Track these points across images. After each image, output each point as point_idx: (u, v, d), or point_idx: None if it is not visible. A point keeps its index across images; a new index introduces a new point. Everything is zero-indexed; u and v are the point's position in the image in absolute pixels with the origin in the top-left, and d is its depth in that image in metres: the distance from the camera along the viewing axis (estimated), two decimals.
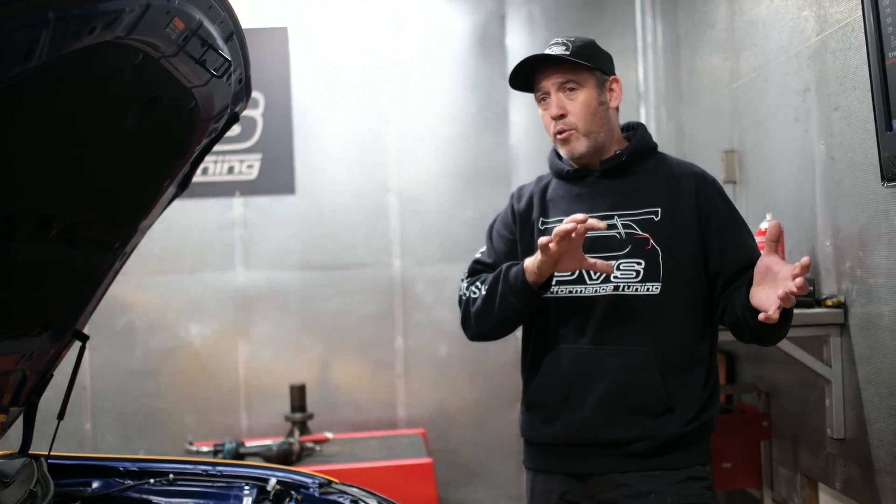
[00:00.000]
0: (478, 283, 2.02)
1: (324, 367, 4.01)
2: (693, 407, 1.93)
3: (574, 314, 1.96)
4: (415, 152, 4.05)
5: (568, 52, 1.94)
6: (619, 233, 1.95)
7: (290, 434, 3.61)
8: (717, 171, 3.11)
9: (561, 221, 1.99)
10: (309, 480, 1.84)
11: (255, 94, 3.89)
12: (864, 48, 2.01)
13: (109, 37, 1.08)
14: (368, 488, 1.87)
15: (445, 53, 4.09)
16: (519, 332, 2.12)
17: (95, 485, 1.84)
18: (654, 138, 2.10)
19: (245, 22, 1.41)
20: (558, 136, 1.99)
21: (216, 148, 1.67)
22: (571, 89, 1.96)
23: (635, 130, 2.07)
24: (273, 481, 1.84)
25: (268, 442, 3.42)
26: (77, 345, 1.71)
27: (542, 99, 2.01)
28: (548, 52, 1.97)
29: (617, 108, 2.04)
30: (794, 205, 2.72)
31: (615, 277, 1.93)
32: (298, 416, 3.67)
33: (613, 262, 1.93)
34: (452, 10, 4.10)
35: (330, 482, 1.85)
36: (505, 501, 4.00)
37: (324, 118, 4.03)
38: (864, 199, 2.29)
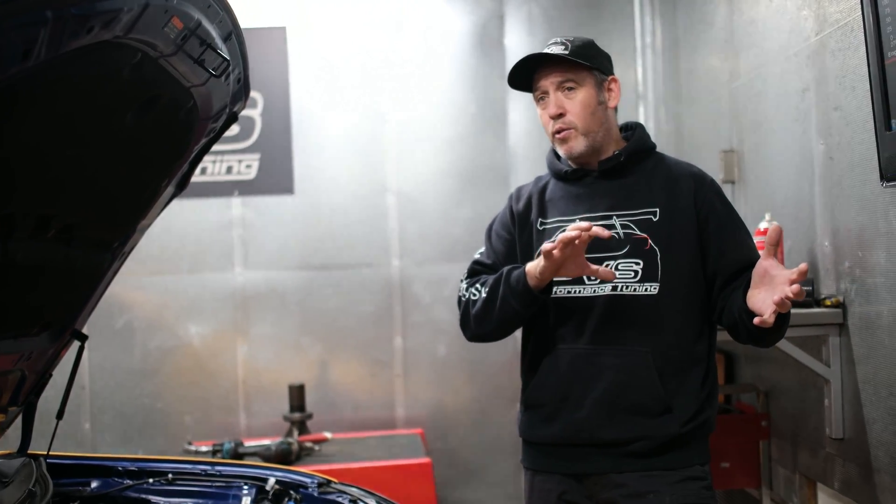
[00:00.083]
0: (478, 285, 2.02)
1: (323, 367, 4.01)
2: (691, 407, 1.93)
3: (572, 314, 1.96)
4: (413, 152, 4.05)
5: (567, 52, 1.94)
6: (617, 233, 1.95)
7: (289, 434, 3.61)
8: (715, 171, 3.12)
9: (559, 222, 2.00)
10: (308, 480, 1.85)
11: (253, 93, 3.88)
12: (864, 48, 2.01)
13: (108, 36, 1.08)
14: (367, 488, 1.87)
15: (444, 53, 4.08)
16: (518, 333, 2.12)
17: (94, 484, 1.84)
18: (653, 138, 2.10)
19: (244, 21, 1.41)
20: (557, 136, 1.99)
21: (215, 147, 1.67)
22: (570, 89, 1.96)
23: (633, 130, 2.07)
24: (272, 481, 1.84)
25: (266, 442, 3.42)
26: (76, 344, 1.71)
27: (540, 98, 2.01)
28: (547, 51, 1.96)
29: (616, 109, 2.04)
30: (794, 205, 2.72)
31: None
32: (297, 415, 3.67)
33: (612, 263, 1.93)
34: (451, 9, 4.09)
35: (329, 482, 1.85)
36: (503, 501, 4.00)
37: (322, 118, 4.03)
38: (864, 198, 2.29)
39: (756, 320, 1.69)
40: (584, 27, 4.00)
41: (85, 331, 1.72)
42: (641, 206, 1.96)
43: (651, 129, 3.85)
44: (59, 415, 1.69)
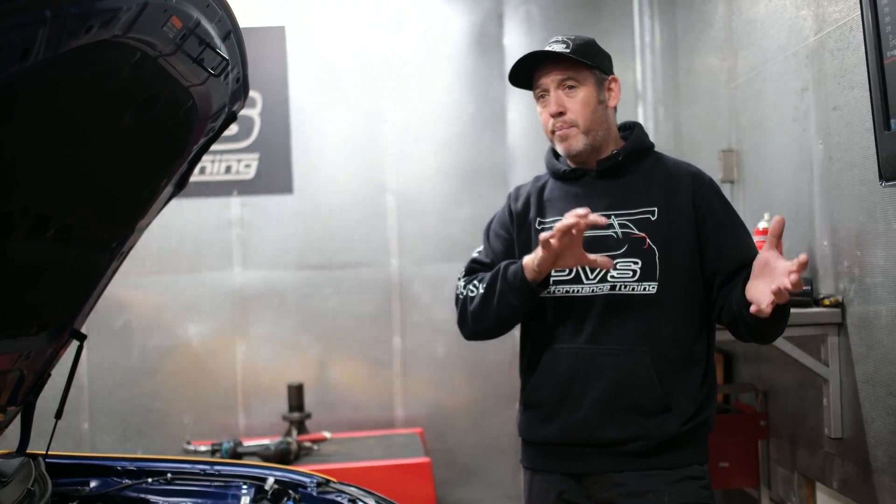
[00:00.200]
0: (475, 282, 2.02)
1: (321, 367, 4.01)
2: (690, 406, 1.93)
3: (571, 314, 1.96)
4: (412, 152, 4.05)
5: (568, 50, 1.94)
6: (615, 232, 1.95)
7: (288, 433, 3.61)
8: (714, 171, 3.12)
9: (558, 221, 1.99)
10: (307, 480, 1.84)
11: (252, 93, 3.87)
12: (863, 47, 2.01)
13: (107, 35, 1.08)
14: (366, 487, 1.87)
15: (443, 53, 4.08)
16: (517, 332, 2.12)
17: (93, 484, 1.84)
18: (652, 138, 2.10)
19: (243, 21, 1.41)
20: (556, 133, 1.99)
21: (214, 147, 1.67)
22: (571, 87, 1.96)
23: (632, 130, 2.07)
24: (271, 480, 1.84)
25: (265, 441, 3.42)
26: (75, 344, 1.71)
27: (541, 96, 2.01)
28: (548, 49, 1.96)
29: (615, 108, 2.04)
30: (793, 204, 2.72)
31: (612, 277, 1.92)
32: (296, 415, 3.67)
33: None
34: (451, 9, 4.09)
35: (328, 481, 1.85)
36: (502, 501, 4.00)
37: (321, 117, 4.02)
38: (863, 198, 2.29)
39: (752, 308, 1.69)
40: (582, 27, 4.00)
41: (84, 330, 1.72)
42: (640, 206, 1.96)
43: (650, 129, 3.86)
44: (58, 414, 1.69)
